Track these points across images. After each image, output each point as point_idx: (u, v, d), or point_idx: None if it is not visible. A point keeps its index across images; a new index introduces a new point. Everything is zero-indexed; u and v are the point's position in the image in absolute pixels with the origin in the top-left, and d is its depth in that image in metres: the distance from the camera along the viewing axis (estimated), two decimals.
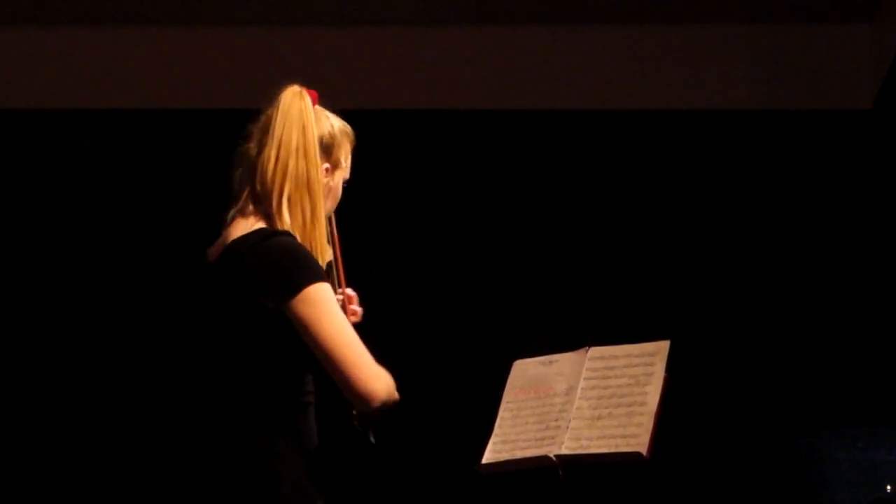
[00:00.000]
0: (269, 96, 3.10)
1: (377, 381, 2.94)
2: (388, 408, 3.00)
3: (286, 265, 2.94)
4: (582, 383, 3.42)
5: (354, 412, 3.01)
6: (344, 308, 3.14)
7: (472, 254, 7.09)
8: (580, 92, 6.85)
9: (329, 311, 2.93)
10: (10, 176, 7.02)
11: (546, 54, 6.85)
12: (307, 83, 3.16)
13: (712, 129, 6.93)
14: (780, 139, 6.92)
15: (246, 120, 3.15)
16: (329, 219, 3.15)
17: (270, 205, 3.01)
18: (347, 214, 3.24)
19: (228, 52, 6.81)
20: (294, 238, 2.99)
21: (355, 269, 3.31)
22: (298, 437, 2.98)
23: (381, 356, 3.05)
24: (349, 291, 3.24)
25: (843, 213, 6.92)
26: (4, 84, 6.84)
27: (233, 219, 3.05)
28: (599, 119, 6.93)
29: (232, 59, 6.79)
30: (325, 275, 2.99)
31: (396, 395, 3.01)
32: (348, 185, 3.19)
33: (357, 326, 3.12)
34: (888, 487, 6.33)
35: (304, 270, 2.94)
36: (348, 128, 3.17)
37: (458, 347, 7.00)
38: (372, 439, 3.07)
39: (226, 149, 3.18)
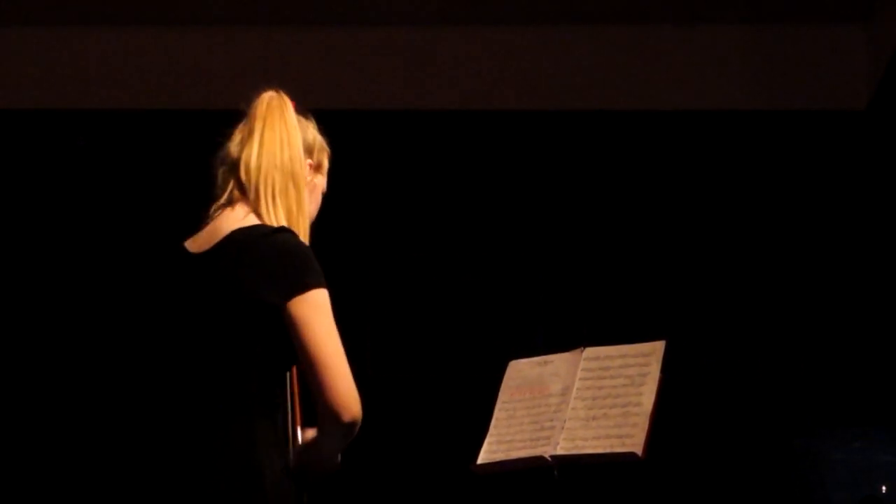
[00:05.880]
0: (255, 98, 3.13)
1: (352, 399, 2.91)
2: (347, 438, 2.94)
3: (296, 264, 2.95)
4: (577, 383, 3.42)
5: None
6: None
7: (469, 254, 7.09)
8: (579, 92, 6.85)
9: (327, 316, 2.93)
10: (6, 176, 7.02)
11: (546, 54, 6.85)
12: (303, 83, 3.20)
13: (709, 129, 6.93)
14: (776, 139, 6.93)
15: (242, 120, 3.17)
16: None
17: (257, 195, 3.03)
18: (348, 213, 3.26)
19: (227, 52, 6.81)
20: (298, 237, 3.00)
21: (354, 269, 3.33)
22: (283, 435, 2.99)
23: (377, 356, 3.07)
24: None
25: (838, 213, 6.92)
26: (1, 83, 6.84)
27: (217, 211, 3.07)
28: (599, 119, 6.93)
29: (230, 59, 6.79)
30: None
31: (358, 424, 2.94)
32: (349, 189, 3.21)
33: (354, 327, 3.13)
34: (884, 488, 6.34)
35: (313, 272, 2.95)
36: (324, 143, 3.21)
37: (454, 347, 6.99)
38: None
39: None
